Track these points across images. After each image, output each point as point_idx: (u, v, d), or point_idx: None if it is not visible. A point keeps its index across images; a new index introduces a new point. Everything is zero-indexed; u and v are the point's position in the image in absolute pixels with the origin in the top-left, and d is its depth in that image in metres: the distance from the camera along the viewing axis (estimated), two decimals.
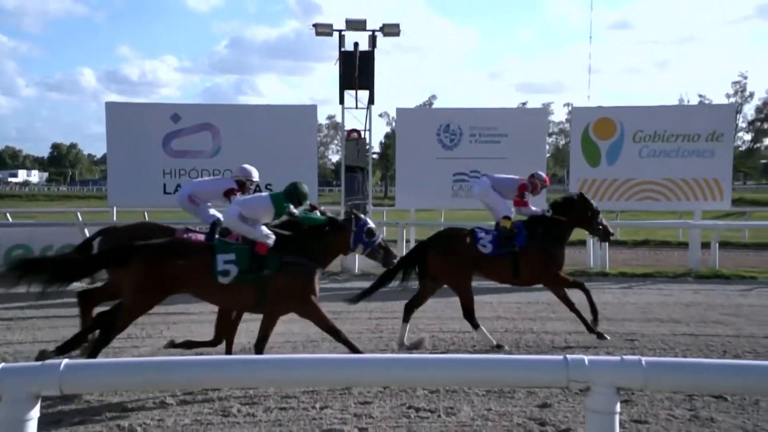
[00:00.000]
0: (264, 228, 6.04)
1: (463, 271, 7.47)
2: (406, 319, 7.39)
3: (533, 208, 8.04)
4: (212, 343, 6.52)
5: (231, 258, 5.74)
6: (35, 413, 2.54)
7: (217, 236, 6.81)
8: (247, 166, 8.07)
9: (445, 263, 7.40)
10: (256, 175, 7.96)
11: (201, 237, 7.12)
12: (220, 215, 7.53)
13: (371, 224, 6.25)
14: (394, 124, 42.97)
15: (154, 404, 5.18)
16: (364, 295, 7.39)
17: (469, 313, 7.31)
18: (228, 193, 7.60)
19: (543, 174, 8.51)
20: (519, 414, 4.98)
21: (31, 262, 5.78)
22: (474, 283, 10.18)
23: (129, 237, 6.61)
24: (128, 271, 5.57)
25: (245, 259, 5.78)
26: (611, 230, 8.09)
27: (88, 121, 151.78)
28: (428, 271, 7.47)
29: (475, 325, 7.25)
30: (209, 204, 7.93)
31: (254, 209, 6.17)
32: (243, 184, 7.76)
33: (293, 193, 6.23)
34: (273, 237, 6.00)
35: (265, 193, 6.80)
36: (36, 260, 6.18)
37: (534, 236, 7.55)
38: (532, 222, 7.77)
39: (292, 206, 6.17)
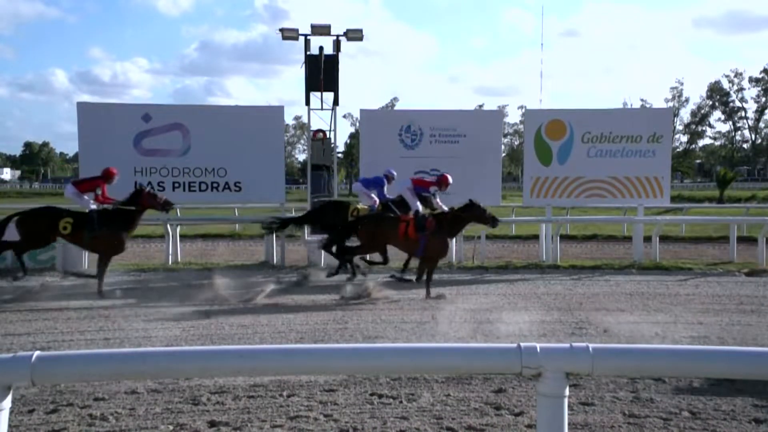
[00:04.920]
0: None
1: None
2: None
3: None
4: None
5: None
6: (7, 404, 2.46)
7: None
8: None
9: None
10: None
11: None
12: None
13: None
14: (358, 124, 42.92)
15: (126, 393, 5.08)
16: None
17: None
18: None
19: None
20: (476, 399, 5.02)
21: None
22: (435, 276, 10.27)
23: None
24: None
25: None
26: None
27: (60, 120, 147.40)
28: None
29: None
30: None
31: None
32: None
33: None
34: None
35: None
36: None
37: None
38: None
39: None
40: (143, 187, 10.57)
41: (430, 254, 9.91)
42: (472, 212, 9.94)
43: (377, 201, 10.95)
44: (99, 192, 10.24)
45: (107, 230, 9.78)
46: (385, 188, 11.27)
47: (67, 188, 10.41)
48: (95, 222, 9.80)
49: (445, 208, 10.29)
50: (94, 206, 10.07)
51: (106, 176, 10.31)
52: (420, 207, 10.26)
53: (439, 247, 9.90)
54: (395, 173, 11.65)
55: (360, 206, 11.14)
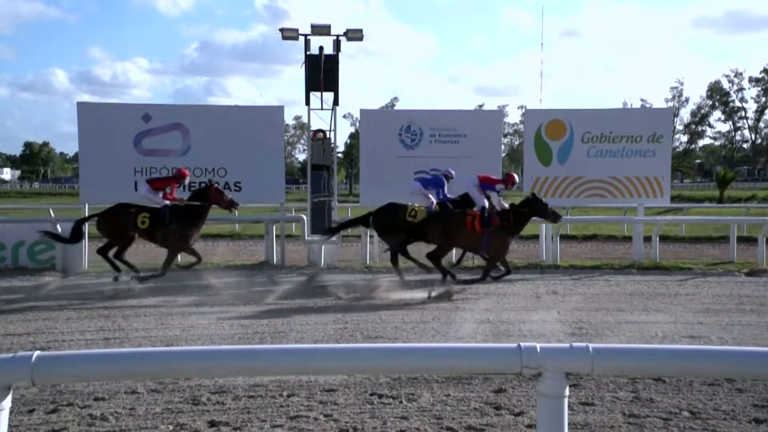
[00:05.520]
0: None
1: None
2: None
3: None
4: None
5: None
6: (7, 404, 2.46)
7: None
8: None
9: None
10: None
11: None
12: None
13: None
14: (358, 124, 42.92)
15: (126, 393, 5.08)
16: None
17: None
18: None
19: None
20: (476, 399, 5.02)
21: None
22: (435, 276, 10.27)
23: None
24: None
25: None
26: None
27: (60, 120, 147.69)
28: None
29: None
30: None
31: None
32: None
33: None
34: None
35: None
36: None
37: None
38: None
39: None
40: (212, 183, 10.88)
41: (493, 252, 9.98)
42: (534, 207, 9.98)
43: (434, 201, 10.90)
44: (168, 190, 10.69)
45: (177, 226, 10.21)
46: (446, 187, 11.21)
47: (142, 186, 10.91)
48: (167, 217, 10.24)
49: (506, 206, 10.31)
50: (166, 202, 10.44)
51: (179, 177, 10.81)
52: (486, 203, 10.25)
53: (500, 245, 9.95)
54: (453, 172, 11.65)
55: (417, 207, 11.03)
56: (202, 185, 10.97)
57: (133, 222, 10.26)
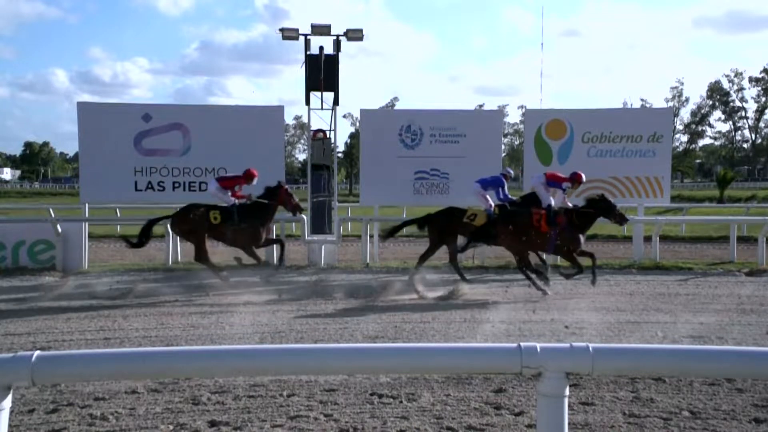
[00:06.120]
0: None
1: None
2: None
3: None
4: None
5: None
6: (7, 404, 2.46)
7: None
8: None
9: None
10: None
11: None
12: None
13: None
14: (358, 124, 42.93)
15: (126, 393, 5.07)
16: None
17: None
18: None
19: None
20: (476, 399, 5.02)
21: None
22: (435, 276, 10.25)
23: None
24: None
25: None
26: None
27: (60, 120, 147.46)
28: None
29: None
30: None
31: None
32: None
33: None
34: None
35: None
36: None
37: None
38: None
39: None
40: (282, 183, 10.92)
41: (568, 249, 9.95)
42: (600, 208, 9.93)
43: (492, 204, 10.67)
44: (237, 189, 10.77)
45: (246, 224, 10.35)
46: (506, 187, 11.01)
47: (211, 183, 11.06)
48: (235, 215, 10.36)
49: (570, 205, 10.28)
50: (234, 201, 10.56)
51: (247, 176, 10.83)
52: (552, 201, 10.15)
53: (571, 241, 9.90)
54: (512, 171, 11.49)
55: (476, 209, 10.80)
56: (273, 185, 10.85)
57: (206, 219, 10.37)
